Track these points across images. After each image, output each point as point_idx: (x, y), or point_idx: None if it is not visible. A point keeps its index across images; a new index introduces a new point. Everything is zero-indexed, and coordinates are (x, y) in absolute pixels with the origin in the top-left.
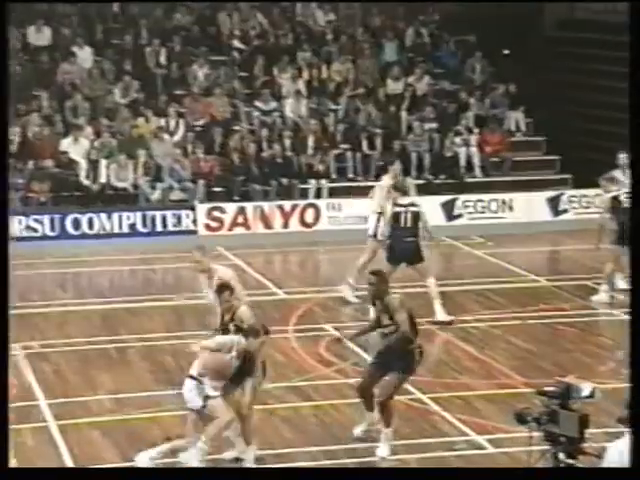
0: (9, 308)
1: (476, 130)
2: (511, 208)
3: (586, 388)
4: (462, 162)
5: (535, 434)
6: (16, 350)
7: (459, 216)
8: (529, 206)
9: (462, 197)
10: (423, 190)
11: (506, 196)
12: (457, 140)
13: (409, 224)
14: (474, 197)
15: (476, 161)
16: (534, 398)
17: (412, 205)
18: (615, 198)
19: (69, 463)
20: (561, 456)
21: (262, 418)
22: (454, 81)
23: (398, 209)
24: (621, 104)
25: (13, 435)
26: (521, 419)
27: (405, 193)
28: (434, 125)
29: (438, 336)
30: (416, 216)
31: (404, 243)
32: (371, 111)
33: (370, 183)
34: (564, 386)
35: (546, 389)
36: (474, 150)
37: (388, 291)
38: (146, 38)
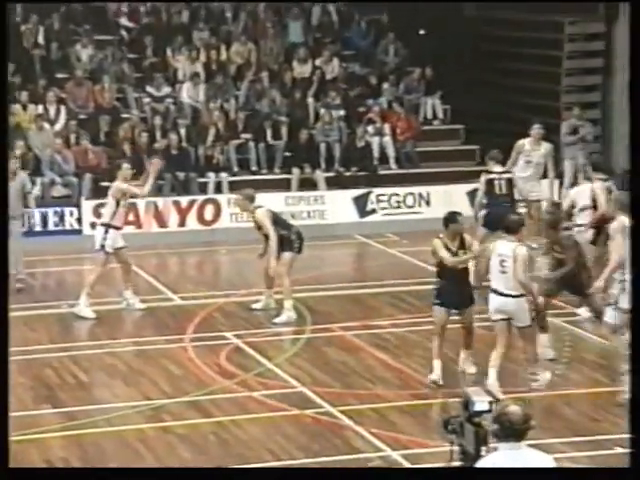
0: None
1: (391, 118)
2: (428, 203)
3: (482, 402)
4: (375, 153)
5: (456, 448)
6: None
7: (372, 212)
8: (448, 200)
9: (376, 191)
10: (333, 183)
11: (423, 189)
12: (369, 129)
13: (504, 191)
14: (388, 191)
15: (390, 152)
16: (455, 409)
17: (506, 172)
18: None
19: None
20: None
21: (156, 436)
22: (365, 64)
23: (492, 176)
24: (547, 90)
25: None
26: (445, 426)
27: (499, 162)
28: (344, 112)
29: (348, 343)
30: (510, 183)
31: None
32: (275, 97)
33: (275, 176)
34: (465, 396)
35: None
36: (388, 140)
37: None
38: (21, 14)
